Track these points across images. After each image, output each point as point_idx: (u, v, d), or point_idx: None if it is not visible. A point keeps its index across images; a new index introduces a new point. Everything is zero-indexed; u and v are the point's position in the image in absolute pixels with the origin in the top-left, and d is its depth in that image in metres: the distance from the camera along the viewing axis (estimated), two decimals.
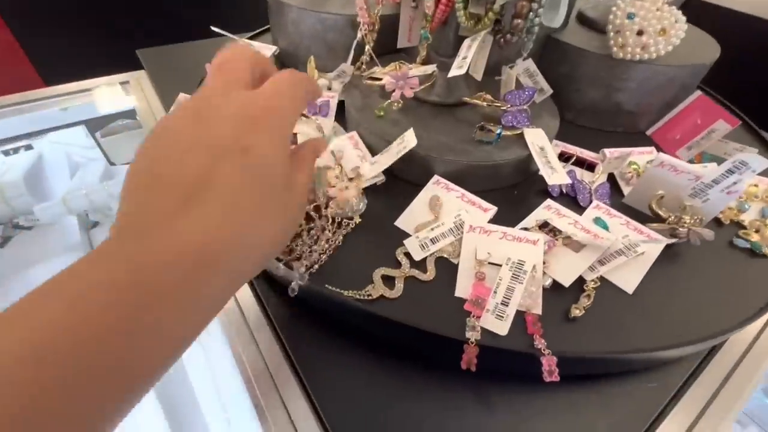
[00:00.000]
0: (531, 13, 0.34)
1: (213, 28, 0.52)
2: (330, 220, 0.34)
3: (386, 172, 0.38)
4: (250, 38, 0.59)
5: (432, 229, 0.33)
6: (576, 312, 0.29)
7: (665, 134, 0.48)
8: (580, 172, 0.41)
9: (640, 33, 0.41)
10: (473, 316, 0.28)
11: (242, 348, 0.32)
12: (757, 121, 0.56)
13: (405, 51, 0.51)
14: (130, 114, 0.58)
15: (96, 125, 0.62)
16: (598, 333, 0.29)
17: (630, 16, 0.41)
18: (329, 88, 0.49)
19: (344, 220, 0.34)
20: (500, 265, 0.30)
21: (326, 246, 0.32)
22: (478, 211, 0.35)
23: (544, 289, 0.30)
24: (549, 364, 0.26)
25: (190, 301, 0.16)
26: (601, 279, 0.32)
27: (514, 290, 0.28)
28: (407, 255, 0.32)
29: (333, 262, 0.31)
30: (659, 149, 0.46)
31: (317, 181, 0.36)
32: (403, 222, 0.35)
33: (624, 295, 0.31)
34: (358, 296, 0.29)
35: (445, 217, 0.34)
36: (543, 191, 0.39)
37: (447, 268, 0.32)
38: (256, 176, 0.18)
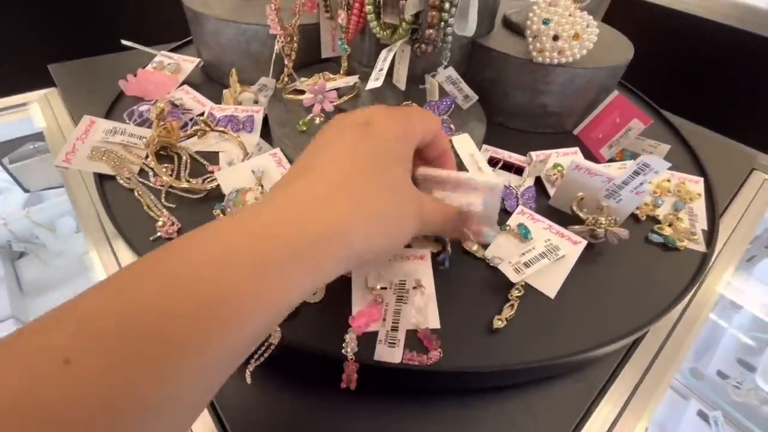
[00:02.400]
0: (443, 23, 0.34)
1: (124, 42, 0.48)
2: None
3: None
4: (172, 50, 0.56)
5: None
6: (498, 323, 0.29)
7: (589, 133, 0.49)
8: (508, 177, 0.42)
9: (556, 38, 0.42)
10: (351, 330, 0.26)
11: None
12: (678, 110, 0.60)
13: (334, 60, 0.50)
14: (38, 136, 0.53)
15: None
16: (521, 343, 0.29)
17: (545, 22, 0.42)
18: (256, 102, 0.47)
19: None
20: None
21: None
22: None
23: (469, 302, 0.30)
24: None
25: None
26: (525, 287, 0.32)
27: (401, 312, 0.28)
28: None
29: None
30: (585, 148, 0.48)
31: (234, 205, 0.34)
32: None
33: (546, 301, 0.32)
34: None
35: None
36: None
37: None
38: (371, 145, 0.21)
